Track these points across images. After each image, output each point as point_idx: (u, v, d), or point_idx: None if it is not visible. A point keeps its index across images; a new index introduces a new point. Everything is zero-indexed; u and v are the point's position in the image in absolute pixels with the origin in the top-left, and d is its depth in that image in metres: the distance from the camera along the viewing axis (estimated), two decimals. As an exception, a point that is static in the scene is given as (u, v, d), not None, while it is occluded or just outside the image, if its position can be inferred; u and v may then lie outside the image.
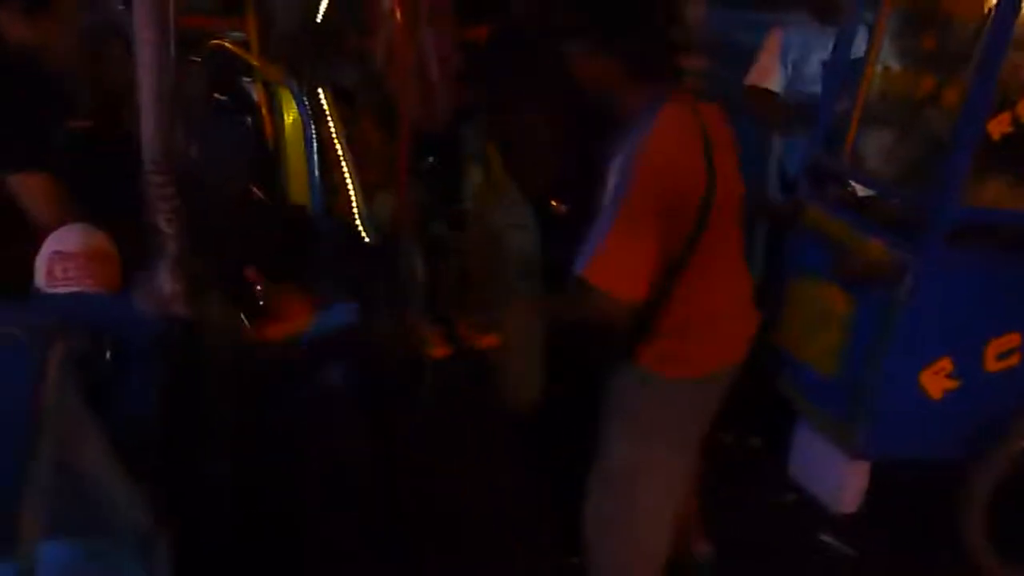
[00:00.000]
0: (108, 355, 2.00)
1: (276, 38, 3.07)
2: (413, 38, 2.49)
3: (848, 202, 2.96)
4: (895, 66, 2.90)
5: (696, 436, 2.20)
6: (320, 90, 2.85)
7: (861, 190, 2.98)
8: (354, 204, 2.79)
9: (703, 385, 2.13)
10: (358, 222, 2.80)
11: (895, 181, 2.84)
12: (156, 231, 2.01)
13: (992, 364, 2.73)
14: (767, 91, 3.56)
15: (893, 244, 2.67)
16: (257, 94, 3.30)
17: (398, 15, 2.45)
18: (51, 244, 2.17)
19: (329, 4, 2.77)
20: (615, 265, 1.87)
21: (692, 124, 1.99)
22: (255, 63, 3.16)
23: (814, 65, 3.44)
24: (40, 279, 2.14)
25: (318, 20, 2.82)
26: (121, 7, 6.75)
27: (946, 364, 2.69)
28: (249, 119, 3.46)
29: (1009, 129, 2.49)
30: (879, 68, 2.96)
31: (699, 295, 2.04)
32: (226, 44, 3.45)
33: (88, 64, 7.20)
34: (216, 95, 3.66)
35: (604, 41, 1.96)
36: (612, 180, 1.92)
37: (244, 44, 3.46)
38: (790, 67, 3.52)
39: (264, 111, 3.23)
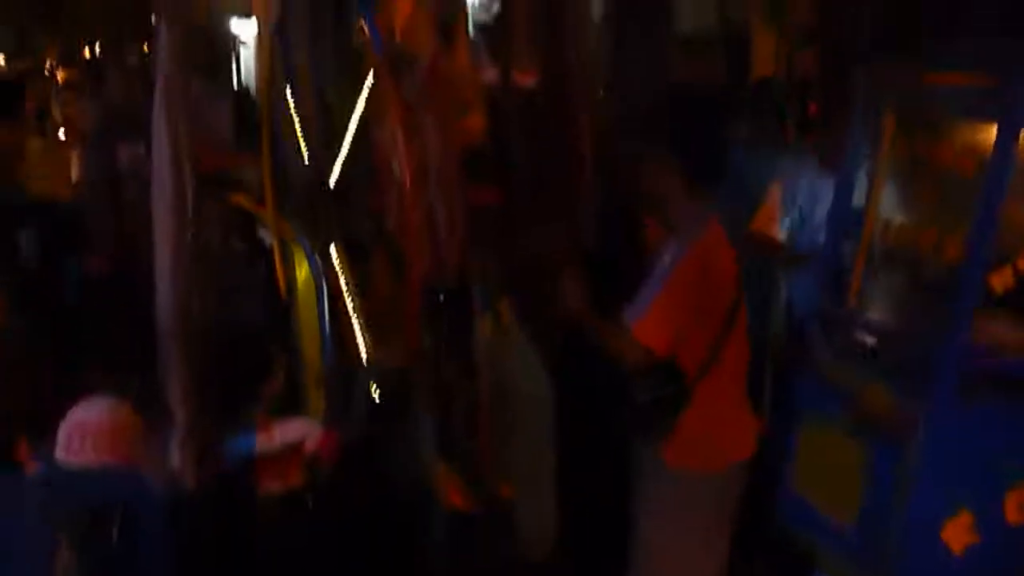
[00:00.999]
0: (116, 529, 2.00)
1: (289, 193, 3.16)
2: (421, 198, 2.57)
3: (856, 349, 2.97)
4: (896, 217, 2.95)
5: (724, 527, 2.60)
6: (332, 247, 2.91)
7: (869, 337, 2.99)
8: (364, 357, 2.82)
9: (724, 477, 2.57)
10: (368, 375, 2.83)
11: (901, 331, 2.85)
12: (167, 400, 2.03)
13: (1014, 515, 2.67)
14: (772, 240, 3.61)
15: (903, 394, 2.66)
16: (271, 243, 3.40)
17: (407, 175, 2.54)
18: (76, 414, 2.19)
19: (343, 162, 2.86)
20: (654, 326, 2.42)
21: (727, 242, 2.54)
22: (269, 218, 3.24)
23: (820, 213, 3.50)
24: (60, 448, 2.16)
25: (331, 178, 2.90)
26: (141, 152, 6.96)
27: (966, 517, 2.64)
28: (264, 268, 3.55)
29: (1011, 282, 2.52)
30: (880, 218, 3.00)
31: (720, 394, 2.53)
32: (242, 201, 3.56)
33: (108, 203, 7.38)
34: (235, 241, 3.76)
35: (677, 155, 2.48)
36: (663, 261, 2.46)
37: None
38: (796, 215, 3.58)
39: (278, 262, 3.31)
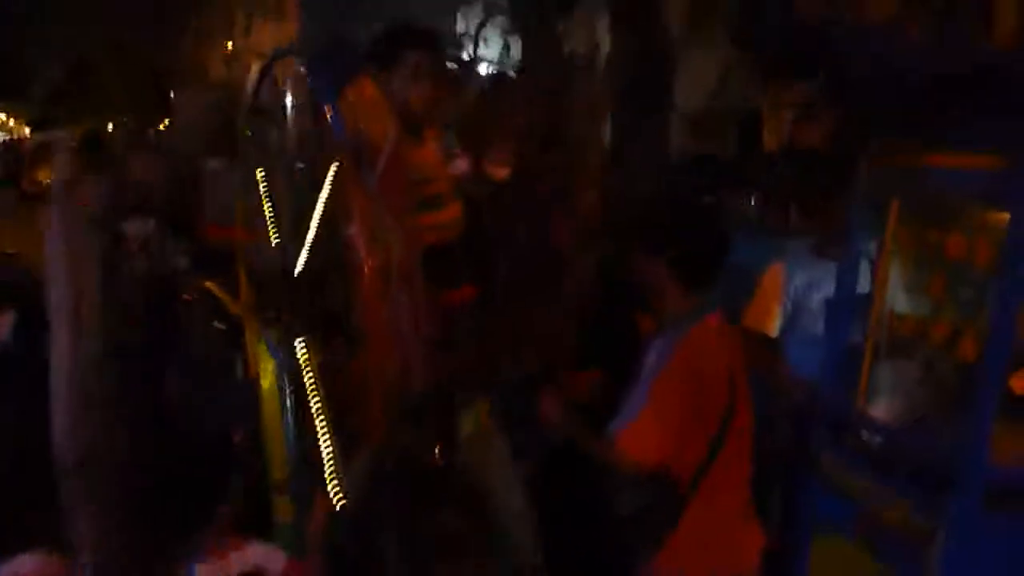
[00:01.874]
0: None
1: (255, 287, 3.00)
2: (384, 296, 2.39)
3: (866, 453, 2.72)
4: (904, 307, 2.73)
5: None
6: (299, 343, 2.71)
7: (880, 440, 2.74)
8: (329, 462, 2.60)
9: None
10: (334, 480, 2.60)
11: (915, 435, 2.61)
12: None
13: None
14: (765, 339, 3.36)
15: (920, 505, 2.42)
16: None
17: (366, 271, 2.35)
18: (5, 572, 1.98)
19: (309, 255, 2.68)
20: (643, 435, 2.27)
21: (722, 343, 2.40)
22: (236, 311, 3.08)
23: (816, 302, 3.26)
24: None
25: (296, 271, 2.72)
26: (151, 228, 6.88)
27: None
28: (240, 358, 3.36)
29: (1035, 385, 2.29)
30: (887, 309, 2.79)
31: (717, 505, 2.37)
32: (213, 288, 3.40)
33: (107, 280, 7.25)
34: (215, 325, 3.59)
35: (663, 249, 2.38)
36: (650, 359, 2.34)
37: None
38: (790, 305, 3.35)
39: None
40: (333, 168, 2.43)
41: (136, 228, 9.16)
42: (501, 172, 3.01)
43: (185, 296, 4.29)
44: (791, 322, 3.34)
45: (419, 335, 2.44)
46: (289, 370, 2.69)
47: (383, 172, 2.46)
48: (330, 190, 2.50)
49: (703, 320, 2.40)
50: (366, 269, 2.33)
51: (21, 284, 7.05)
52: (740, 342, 2.58)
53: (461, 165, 3.01)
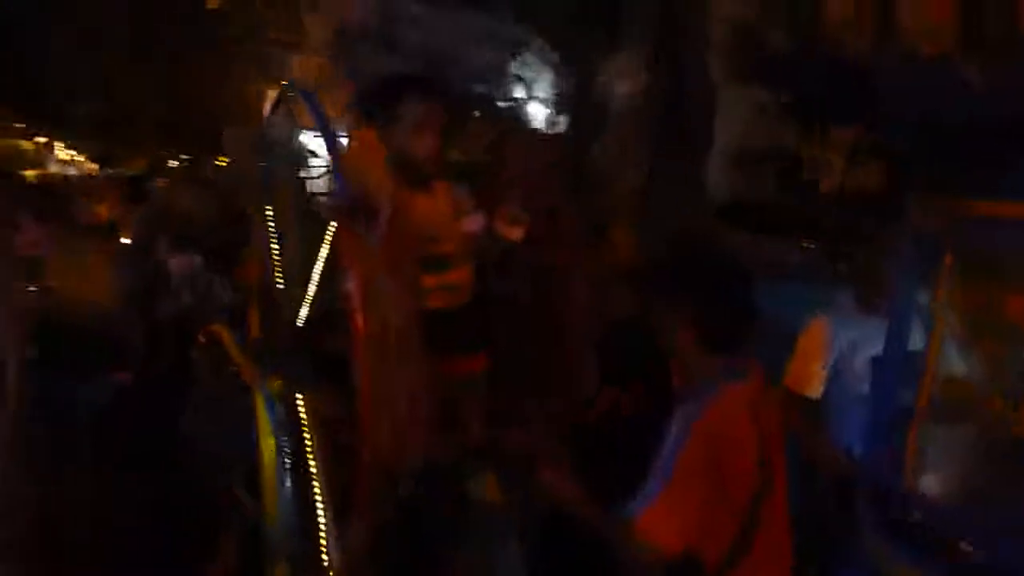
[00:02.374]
0: None
1: (256, 338, 2.85)
2: (380, 369, 2.20)
3: (916, 536, 2.45)
4: (958, 373, 2.47)
5: None
6: (299, 397, 2.55)
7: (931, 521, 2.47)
8: (322, 527, 2.41)
9: None
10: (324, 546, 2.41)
11: (966, 513, 2.34)
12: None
13: None
14: (805, 403, 3.10)
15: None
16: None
17: (361, 336, 2.16)
18: None
19: (310, 308, 2.52)
20: (666, 517, 2.02)
21: (753, 409, 2.15)
22: (239, 360, 2.93)
23: (862, 360, 3.00)
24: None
25: (298, 319, 2.56)
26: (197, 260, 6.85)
27: None
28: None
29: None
30: (939, 373, 2.53)
31: None
32: (222, 333, 3.27)
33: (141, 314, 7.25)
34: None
35: (682, 308, 2.17)
36: (672, 431, 2.08)
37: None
38: (832, 365, 3.09)
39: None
40: (332, 224, 2.27)
41: (182, 263, 9.20)
42: (514, 232, 2.79)
43: (200, 338, 4.19)
44: (833, 383, 3.08)
45: (416, 409, 2.25)
46: (286, 427, 2.53)
47: (383, 229, 2.29)
48: (330, 246, 2.33)
49: (730, 384, 2.16)
50: (360, 334, 2.14)
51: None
52: (777, 406, 2.34)
53: (475, 222, 2.79)
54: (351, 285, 2.17)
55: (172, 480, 4.09)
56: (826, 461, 2.81)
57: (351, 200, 2.22)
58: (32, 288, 8.06)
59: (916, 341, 2.69)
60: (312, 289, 2.49)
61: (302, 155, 3.02)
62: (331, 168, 2.27)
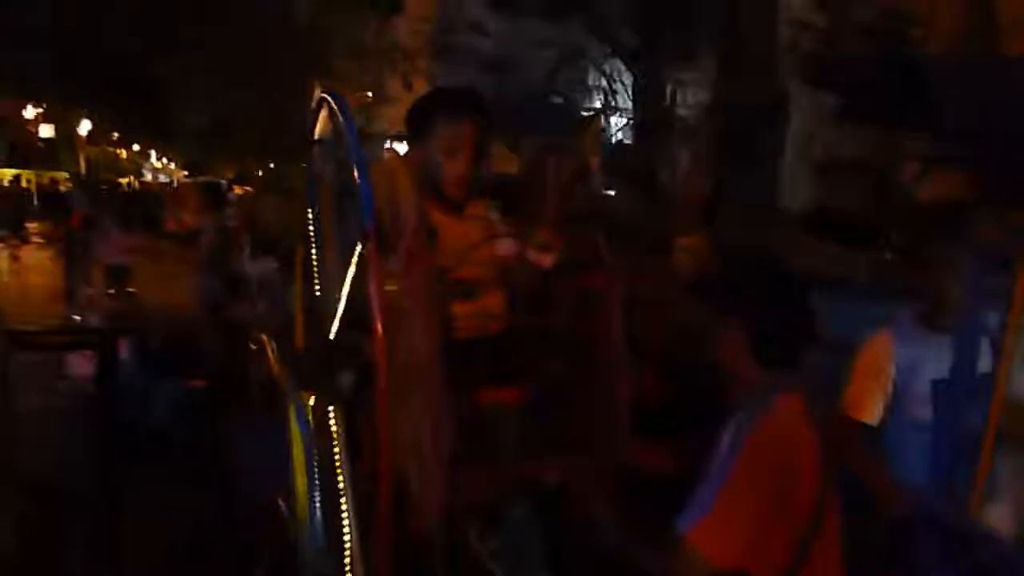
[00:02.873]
0: None
1: (292, 349, 2.82)
2: (400, 404, 2.13)
3: (981, 571, 2.26)
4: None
5: None
6: (331, 409, 2.50)
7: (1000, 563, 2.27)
8: (347, 545, 2.36)
9: None
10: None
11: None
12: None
13: None
14: (860, 429, 2.89)
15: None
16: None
17: (381, 372, 2.07)
18: None
19: (342, 320, 2.46)
20: (719, 530, 1.92)
21: (811, 426, 2.02)
22: (277, 370, 2.91)
23: (922, 383, 2.77)
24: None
25: (331, 336, 2.50)
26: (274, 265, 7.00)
27: None
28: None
29: None
30: (1009, 396, 2.33)
31: None
32: (266, 342, 3.26)
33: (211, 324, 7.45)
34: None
35: (731, 315, 2.06)
36: (723, 444, 1.97)
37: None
38: (891, 387, 2.88)
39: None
40: (358, 248, 2.19)
41: (260, 270, 9.37)
42: (545, 259, 2.62)
43: (252, 345, 4.22)
44: (893, 408, 2.87)
45: (437, 449, 2.16)
46: (316, 442, 2.49)
47: (406, 255, 2.22)
48: (355, 272, 2.27)
49: (785, 397, 2.04)
50: (382, 363, 2.06)
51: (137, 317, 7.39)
52: (835, 427, 2.23)
53: (507, 247, 2.66)
54: (373, 310, 2.08)
55: (222, 489, 4.14)
56: (884, 494, 2.61)
57: (376, 222, 2.13)
58: (111, 292, 8.34)
59: (984, 363, 2.50)
60: (342, 305, 2.42)
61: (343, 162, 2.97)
62: (354, 184, 2.18)
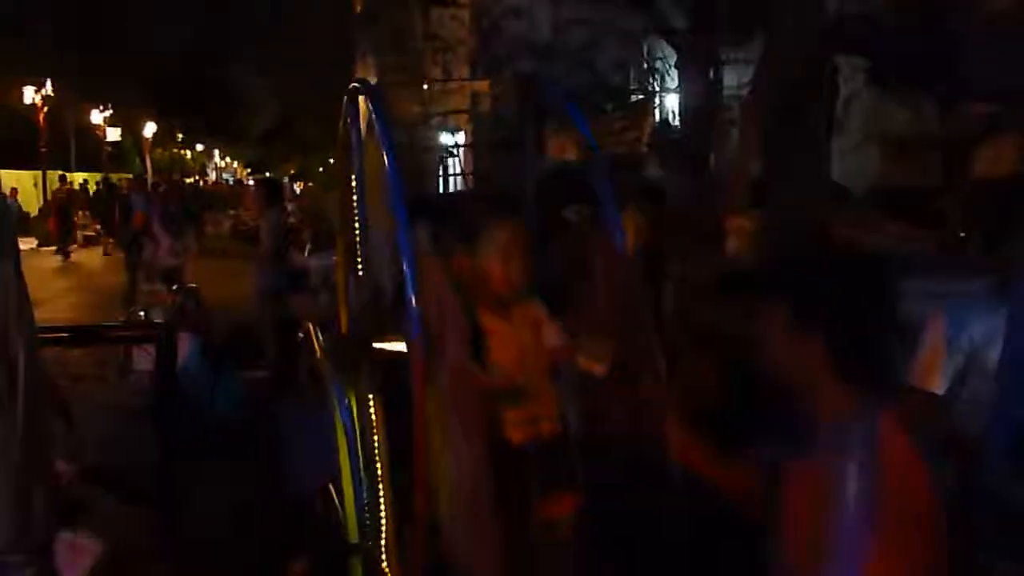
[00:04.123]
0: None
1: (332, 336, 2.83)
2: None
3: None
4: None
5: None
6: (371, 398, 2.51)
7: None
8: (383, 533, 2.36)
9: None
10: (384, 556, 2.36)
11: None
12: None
13: None
14: (930, 397, 2.80)
15: None
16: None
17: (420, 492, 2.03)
18: None
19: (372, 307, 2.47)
20: None
21: (911, 445, 1.64)
22: (320, 357, 2.94)
23: (994, 357, 2.66)
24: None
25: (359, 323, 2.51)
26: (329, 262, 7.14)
27: None
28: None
29: None
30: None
31: None
32: (311, 331, 3.30)
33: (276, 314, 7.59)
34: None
35: (814, 320, 1.64)
36: (840, 497, 1.56)
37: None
38: (963, 357, 2.77)
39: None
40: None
41: (320, 262, 9.53)
42: (598, 368, 2.47)
43: (299, 335, 4.27)
44: (962, 384, 2.77)
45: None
46: (355, 428, 2.50)
47: (452, 376, 2.16)
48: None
49: (884, 420, 1.64)
50: (422, 482, 2.00)
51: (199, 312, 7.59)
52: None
53: (558, 351, 2.49)
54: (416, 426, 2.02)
55: (277, 479, 4.20)
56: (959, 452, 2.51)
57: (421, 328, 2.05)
58: (174, 288, 8.55)
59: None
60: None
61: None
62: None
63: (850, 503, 1.56)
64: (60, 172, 25.23)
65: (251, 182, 37.65)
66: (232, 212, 18.67)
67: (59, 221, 20.84)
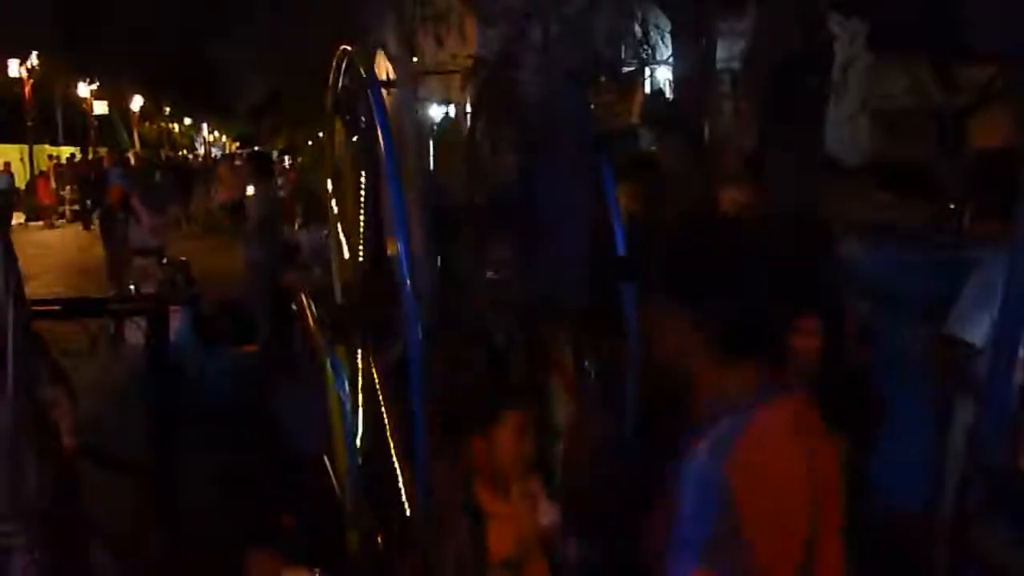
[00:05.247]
0: None
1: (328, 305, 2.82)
2: None
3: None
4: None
5: None
6: (371, 366, 2.50)
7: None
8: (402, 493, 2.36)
9: None
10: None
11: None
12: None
13: None
14: (964, 344, 2.80)
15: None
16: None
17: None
18: None
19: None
20: None
21: (797, 441, 1.45)
22: (313, 326, 2.93)
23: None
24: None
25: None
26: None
27: None
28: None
29: None
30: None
31: None
32: (305, 299, 3.28)
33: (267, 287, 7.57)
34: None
35: (689, 298, 1.48)
36: (689, 482, 1.41)
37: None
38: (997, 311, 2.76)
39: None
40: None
41: (311, 236, 9.50)
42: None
43: (293, 306, 4.26)
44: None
45: None
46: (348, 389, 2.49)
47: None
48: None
49: (766, 404, 1.47)
50: None
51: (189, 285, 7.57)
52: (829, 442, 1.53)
53: (549, 515, 2.40)
54: None
55: (272, 449, 4.21)
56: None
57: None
58: (164, 262, 8.49)
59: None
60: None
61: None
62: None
63: (688, 499, 1.41)
64: (47, 146, 25.02)
65: (217, 156, 37.30)
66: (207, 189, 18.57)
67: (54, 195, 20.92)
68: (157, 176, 18.88)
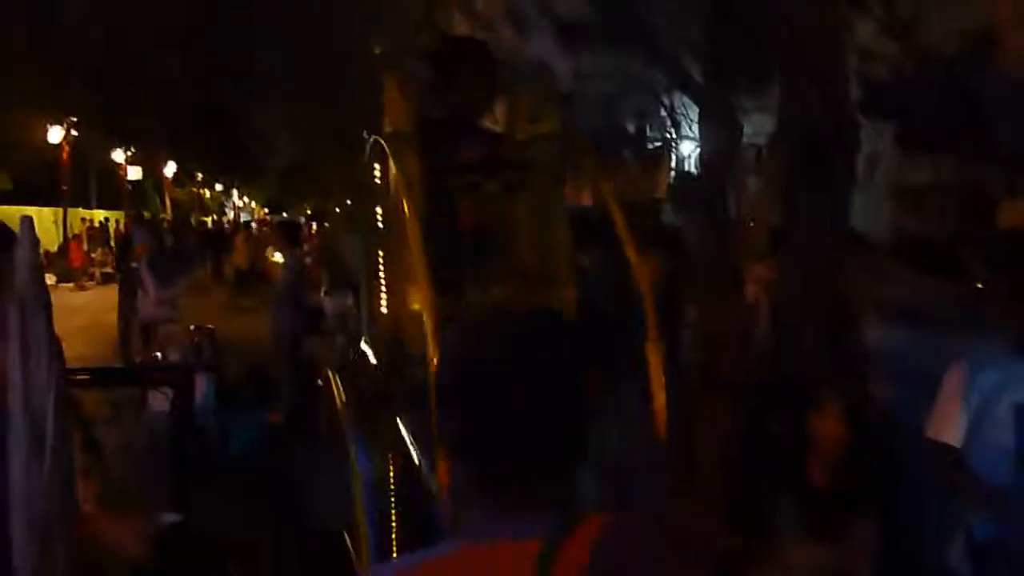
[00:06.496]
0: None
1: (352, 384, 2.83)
2: None
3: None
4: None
5: None
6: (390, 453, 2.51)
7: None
8: None
9: None
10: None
11: None
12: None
13: None
14: (946, 448, 2.81)
15: None
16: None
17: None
18: None
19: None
20: None
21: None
22: (339, 406, 2.94)
23: (1007, 405, 2.67)
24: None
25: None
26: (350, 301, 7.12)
27: None
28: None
29: None
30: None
31: None
32: (333, 379, 3.30)
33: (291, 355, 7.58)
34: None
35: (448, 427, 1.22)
36: None
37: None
38: (973, 410, 2.77)
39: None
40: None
41: (335, 303, 9.55)
42: None
43: (319, 381, 4.28)
44: (975, 433, 2.77)
45: None
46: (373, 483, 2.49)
47: None
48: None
49: (481, 544, 1.19)
50: None
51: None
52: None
53: None
54: None
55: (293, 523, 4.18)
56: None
57: None
58: (192, 327, 8.56)
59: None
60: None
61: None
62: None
63: None
64: (80, 209, 25.50)
65: (246, 221, 37.51)
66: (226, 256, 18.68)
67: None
68: (169, 241, 19.02)
